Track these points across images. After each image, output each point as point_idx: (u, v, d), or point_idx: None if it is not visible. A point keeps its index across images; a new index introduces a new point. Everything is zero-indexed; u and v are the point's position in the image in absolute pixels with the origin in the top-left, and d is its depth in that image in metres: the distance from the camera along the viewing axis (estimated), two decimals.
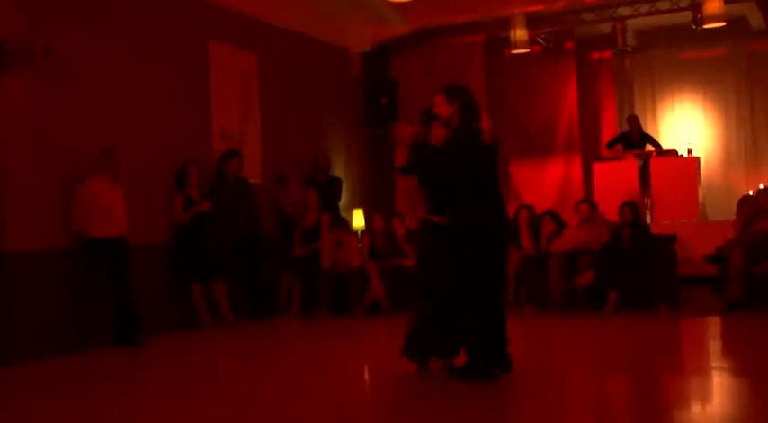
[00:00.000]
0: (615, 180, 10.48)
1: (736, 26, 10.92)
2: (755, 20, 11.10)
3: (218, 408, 4.76)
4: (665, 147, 11.11)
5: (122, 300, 7.11)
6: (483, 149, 5.01)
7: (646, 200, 10.48)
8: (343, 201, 10.49)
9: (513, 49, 10.88)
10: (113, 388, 5.65)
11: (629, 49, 12.00)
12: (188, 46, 8.61)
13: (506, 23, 10.81)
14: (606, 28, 11.56)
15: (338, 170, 10.75)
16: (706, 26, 10.15)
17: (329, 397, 5.03)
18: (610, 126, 11.97)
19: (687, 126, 12.14)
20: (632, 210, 8.74)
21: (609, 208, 9.19)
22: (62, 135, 7.01)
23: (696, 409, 4.68)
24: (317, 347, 7.35)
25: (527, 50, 10.96)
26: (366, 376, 6.09)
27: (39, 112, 6.84)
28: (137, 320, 7.15)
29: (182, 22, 8.52)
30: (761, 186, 9.60)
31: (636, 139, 11.09)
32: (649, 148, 11.02)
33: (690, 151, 10.77)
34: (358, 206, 10.88)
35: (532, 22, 10.80)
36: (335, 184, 10.23)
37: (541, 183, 11.52)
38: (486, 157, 5.02)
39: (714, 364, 6.18)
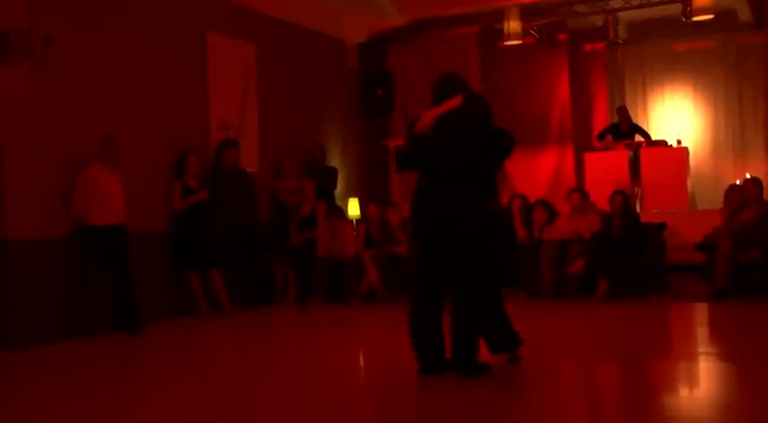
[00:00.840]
0: (606, 170, 10.51)
1: (725, 19, 10.93)
2: (744, 13, 11.12)
3: (216, 395, 4.77)
4: (656, 137, 11.14)
5: (121, 287, 7.11)
6: (412, 139, 4.97)
7: (636, 189, 10.51)
8: (339, 190, 10.49)
9: (507, 40, 10.87)
10: (111, 373, 5.67)
11: (621, 41, 12.01)
12: (186, 36, 8.57)
13: (500, 15, 10.79)
14: (598, 20, 11.56)
15: (334, 160, 10.74)
16: (695, 18, 10.15)
17: (325, 386, 5.02)
18: (601, 117, 11.99)
19: (677, 117, 12.17)
20: (623, 199, 8.75)
21: (600, 197, 9.21)
22: (61, 125, 6.99)
23: (684, 393, 4.70)
24: (312, 335, 7.36)
25: (520, 42, 10.95)
26: (361, 364, 6.10)
27: (38, 101, 6.81)
28: (136, 308, 7.15)
29: (180, 12, 8.48)
30: (748, 176, 9.63)
31: (625, 130, 11.12)
32: (639, 138, 11.04)
33: (679, 141, 10.80)
34: (353, 195, 10.89)
35: (526, 13, 10.78)
36: (331, 174, 10.23)
37: (534, 172, 11.53)
38: (415, 145, 4.94)
39: (702, 349, 6.21)
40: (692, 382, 5.00)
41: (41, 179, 6.82)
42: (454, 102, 4.87)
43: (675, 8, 10.60)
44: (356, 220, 10.22)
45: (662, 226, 8.91)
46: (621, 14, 11.29)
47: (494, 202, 4.95)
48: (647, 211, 10.03)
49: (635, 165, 10.60)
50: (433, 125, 4.85)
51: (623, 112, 11.31)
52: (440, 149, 4.82)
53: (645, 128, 11.42)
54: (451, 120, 4.83)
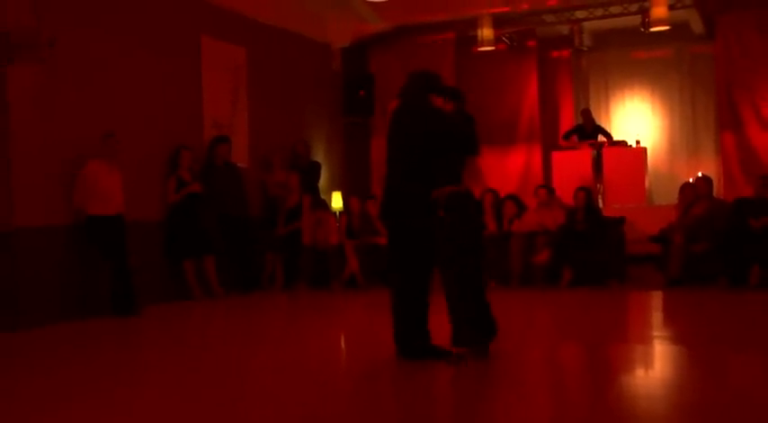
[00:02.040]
0: (571, 167, 10.61)
1: (679, 31, 11.05)
2: (696, 26, 11.26)
3: (205, 373, 4.79)
4: (617, 138, 11.23)
5: (120, 273, 7.10)
6: None
7: (598, 186, 10.61)
8: (323, 183, 10.50)
9: (481, 46, 10.90)
10: (110, 350, 5.67)
11: (586, 49, 12.08)
12: (182, 40, 8.55)
13: (474, 23, 10.82)
14: (565, 29, 11.63)
15: (319, 155, 10.75)
16: (652, 29, 10.26)
17: (308, 364, 5.03)
18: (567, 118, 12.07)
19: (636, 119, 12.28)
20: (586, 194, 8.84)
21: (565, 193, 9.29)
22: (65, 122, 6.96)
23: (640, 373, 4.77)
24: (297, 319, 7.39)
25: (493, 48, 10.99)
26: (342, 346, 6.15)
27: (43, 99, 6.78)
28: (133, 293, 7.14)
29: (176, 17, 8.46)
30: (700, 174, 9.76)
31: (589, 131, 11.22)
32: (601, 138, 11.14)
33: (638, 142, 10.93)
34: (337, 188, 10.90)
35: (498, 22, 10.82)
36: (315, 169, 10.24)
37: (505, 169, 11.61)
38: None
39: (656, 333, 6.29)
40: (648, 363, 5.06)
41: (46, 172, 6.79)
42: (391, 105, 4.84)
43: (635, 19, 10.70)
44: (339, 212, 10.24)
45: (621, 220, 9.00)
46: (586, 24, 11.36)
47: (454, 186, 4.65)
48: (608, 206, 10.13)
49: (598, 163, 10.71)
50: (389, 124, 4.83)
51: (587, 114, 11.41)
52: (390, 149, 4.79)
53: (607, 129, 11.53)
54: (400, 120, 4.78)
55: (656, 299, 7.91)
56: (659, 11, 9.98)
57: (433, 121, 4.72)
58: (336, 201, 10.60)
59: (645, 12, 10.33)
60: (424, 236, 4.67)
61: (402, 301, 4.74)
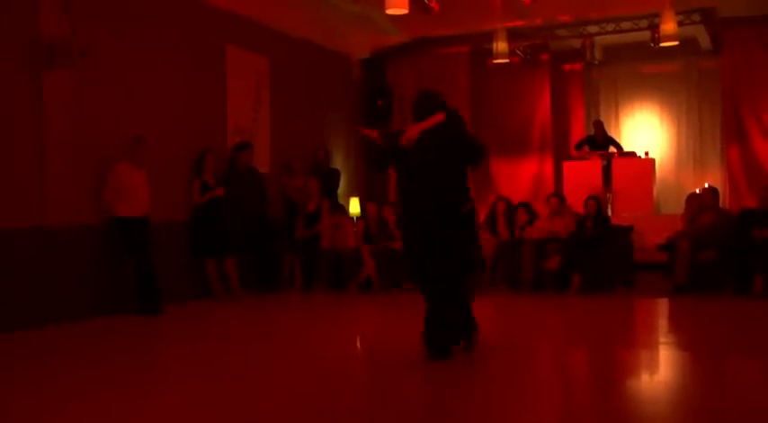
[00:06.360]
0: (582, 177, 10.58)
1: (687, 46, 11.02)
2: (704, 41, 11.23)
3: (223, 368, 4.80)
4: (626, 149, 11.19)
5: (144, 272, 7.14)
6: (395, 149, 4.97)
7: (608, 195, 10.56)
8: (341, 189, 10.52)
9: (495, 59, 10.90)
10: (133, 345, 5.69)
11: (597, 63, 12.04)
12: (208, 49, 8.61)
13: (489, 36, 10.83)
14: (577, 43, 11.60)
15: (338, 162, 10.77)
16: (662, 44, 10.24)
17: (320, 362, 5.05)
18: (578, 129, 12.03)
19: (645, 131, 12.22)
20: (596, 203, 8.79)
21: (576, 201, 9.25)
22: (96, 125, 7.03)
23: (645, 377, 4.75)
24: (314, 318, 7.38)
25: (507, 61, 10.99)
26: (357, 345, 6.14)
27: (75, 104, 6.83)
28: (157, 290, 7.18)
29: (203, 28, 8.51)
30: (706, 185, 9.69)
31: (600, 142, 11.17)
32: (612, 149, 11.09)
33: (647, 153, 10.88)
34: (354, 194, 10.92)
35: (512, 36, 10.82)
36: (335, 175, 10.26)
37: (517, 178, 11.59)
38: (399, 155, 4.95)
39: (662, 338, 6.24)
40: (653, 367, 5.04)
41: (76, 172, 6.84)
42: (438, 117, 4.80)
43: (645, 35, 10.67)
44: (356, 217, 10.25)
45: (630, 228, 8.95)
46: (597, 39, 11.33)
47: (465, 204, 4.87)
48: (616, 215, 10.08)
49: (607, 173, 10.66)
50: (417, 138, 4.80)
51: (599, 125, 11.35)
52: (421, 160, 4.79)
53: (617, 140, 11.46)
54: (434, 134, 4.77)
55: (663, 305, 7.84)
56: (668, 27, 9.95)
57: (466, 137, 4.90)
58: (354, 206, 10.61)
59: (654, 27, 10.31)
60: (445, 236, 4.81)
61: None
